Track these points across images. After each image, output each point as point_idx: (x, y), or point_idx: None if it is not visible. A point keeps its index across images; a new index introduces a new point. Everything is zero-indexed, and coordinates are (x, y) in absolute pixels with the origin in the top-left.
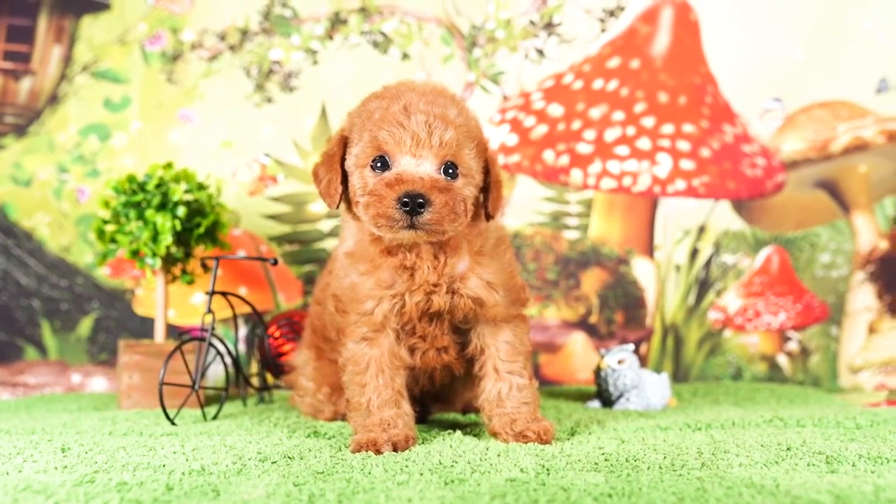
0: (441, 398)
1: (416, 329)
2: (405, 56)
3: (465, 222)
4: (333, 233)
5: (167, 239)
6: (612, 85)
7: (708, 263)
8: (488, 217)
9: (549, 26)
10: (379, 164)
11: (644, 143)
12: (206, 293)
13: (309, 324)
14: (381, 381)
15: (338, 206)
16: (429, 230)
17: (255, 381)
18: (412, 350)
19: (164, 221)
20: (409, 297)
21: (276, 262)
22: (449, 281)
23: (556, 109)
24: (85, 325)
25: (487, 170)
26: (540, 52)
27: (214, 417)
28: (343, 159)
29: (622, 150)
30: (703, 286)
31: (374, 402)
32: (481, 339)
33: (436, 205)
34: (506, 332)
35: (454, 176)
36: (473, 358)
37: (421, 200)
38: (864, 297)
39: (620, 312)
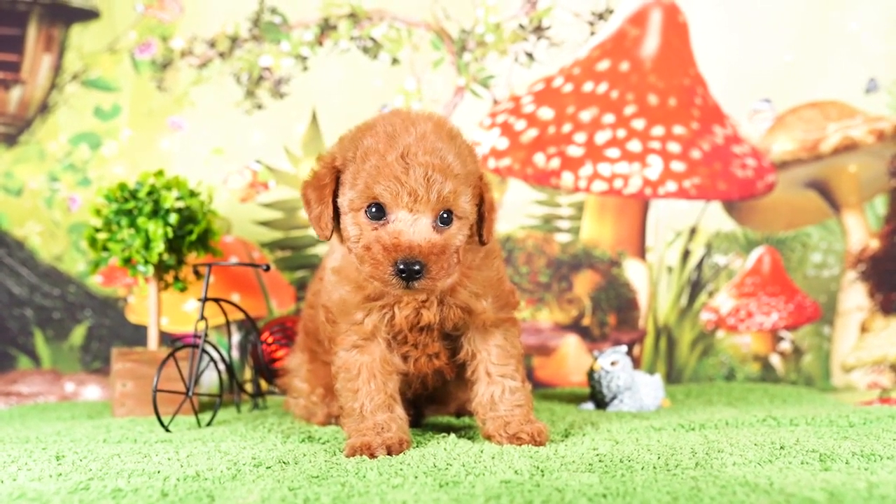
0: (435, 400)
1: (407, 338)
2: (395, 61)
3: (457, 267)
4: None
5: (159, 246)
6: (602, 88)
7: (700, 264)
8: (482, 242)
9: (539, 30)
10: (374, 210)
11: (634, 146)
12: (199, 300)
13: (302, 327)
14: (373, 386)
15: (330, 238)
16: (424, 290)
17: (248, 387)
18: (404, 357)
19: (155, 229)
20: (398, 309)
21: (268, 268)
22: (439, 296)
23: (546, 113)
24: (78, 334)
25: (482, 197)
26: (529, 56)
27: (209, 424)
28: (335, 191)
29: (613, 152)
30: (696, 287)
31: (366, 406)
32: (472, 344)
33: (434, 270)
34: (496, 336)
35: (449, 222)
36: (465, 362)
37: (418, 267)
38: (855, 297)
39: (613, 314)
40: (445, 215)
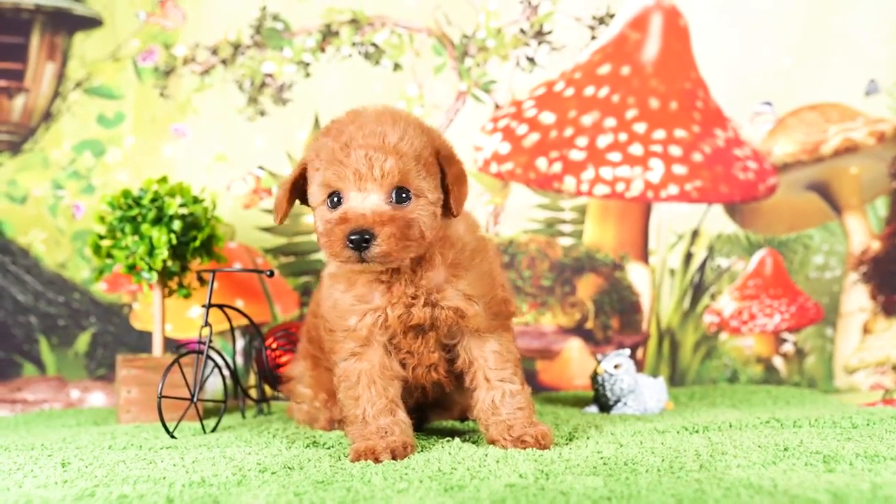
0: (438, 406)
1: (401, 344)
2: (397, 66)
3: (427, 241)
4: None
5: (163, 253)
6: (604, 92)
7: (702, 267)
8: (453, 214)
9: (540, 34)
10: (335, 200)
11: (636, 149)
12: (203, 306)
13: (305, 333)
14: (373, 392)
15: (281, 222)
16: (381, 261)
17: (253, 392)
18: (403, 364)
19: (159, 235)
20: (389, 310)
21: (272, 274)
22: (426, 293)
23: (547, 117)
24: (83, 341)
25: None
26: (531, 61)
27: (213, 430)
28: (297, 181)
29: (615, 156)
30: (698, 290)
31: (368, 412)
32: (468, 351)
33: (381, 237)
34: (491, 341)
35: (405, 200)
36: (463, 371)
37: (367, 236)
38: (857, 298)
39: (616, 318)
40: (404, 194)
